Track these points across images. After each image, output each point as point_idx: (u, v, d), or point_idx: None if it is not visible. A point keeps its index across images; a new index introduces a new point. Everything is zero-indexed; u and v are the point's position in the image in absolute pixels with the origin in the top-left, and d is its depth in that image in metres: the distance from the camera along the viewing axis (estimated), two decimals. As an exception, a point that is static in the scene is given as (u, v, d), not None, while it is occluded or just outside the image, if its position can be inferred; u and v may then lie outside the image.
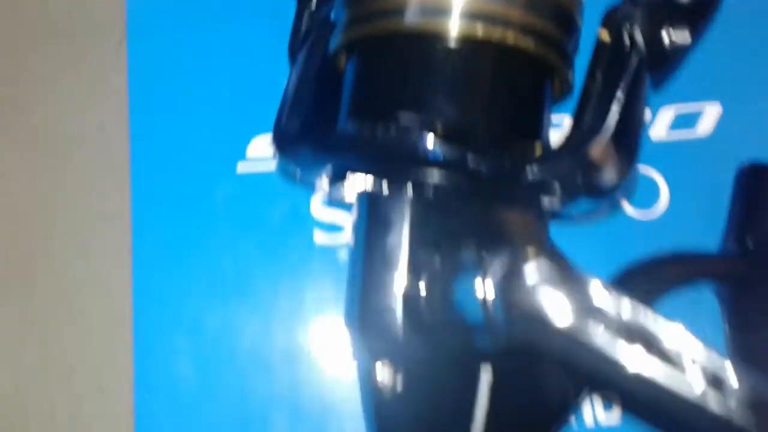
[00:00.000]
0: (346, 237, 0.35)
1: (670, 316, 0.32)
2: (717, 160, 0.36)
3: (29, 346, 0.46)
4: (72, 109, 0.50)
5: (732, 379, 0.19)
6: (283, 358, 0.34)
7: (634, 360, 0.19)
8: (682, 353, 0.19)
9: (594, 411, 0.34)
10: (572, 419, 0.33)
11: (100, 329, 0.46)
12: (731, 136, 0.36)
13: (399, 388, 0.27)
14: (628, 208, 0.36)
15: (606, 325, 0.19)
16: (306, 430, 0.33)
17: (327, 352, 0.34)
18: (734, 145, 0.36)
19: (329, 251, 0.35)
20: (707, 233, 0.35)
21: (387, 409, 0.27)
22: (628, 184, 0.28)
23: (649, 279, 0.32)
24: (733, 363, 0.31)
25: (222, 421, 0.33)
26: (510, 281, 0.21)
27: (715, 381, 0.19)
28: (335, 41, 0.30)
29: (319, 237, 0.35)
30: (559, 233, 0.32)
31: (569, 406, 0.30)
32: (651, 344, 0.19)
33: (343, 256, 0.35)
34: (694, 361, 0.19)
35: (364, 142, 0.27)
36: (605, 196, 0.28)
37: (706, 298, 0.35)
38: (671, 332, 0.19)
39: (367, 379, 0.27)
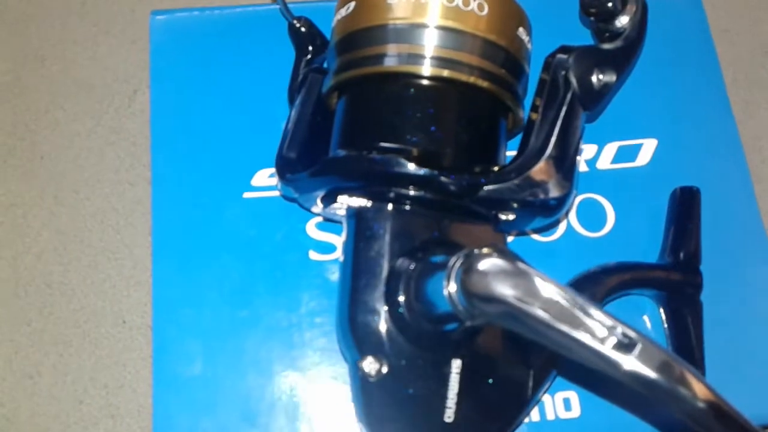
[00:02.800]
0: (337, 254, 0.39)
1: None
2: (654, 185, 0.41)
3: (45, 368, 0.50)
4: (90, 154, 0.55)
5: (639, 344, 0.23)
6: (282, 360, 0.38)
7: (561, 329, 0.24)
8: (600, 324, 0.24)
9: (555, 406, 0.38)
10: (534, 411, 0.38)
11: (117, 355, 0.51)
12: (666, 165, 0.42)
13: (383, 377, 0.31)
14: (579, 228, 0.41)
15: (541, 302, 0.24)
16: (302, 428, 0.37)
17: (321, 355, 0.38)
18: (669, 173, 0.41)
19: (322, 267, 0.39)
20: (648, 248, 0.40)
21: (373, 396, 0.31)
22: (570, 199, 0.33)
23: (596, 285, 0.37)
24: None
25: (228, 416, 0.37)
26: (468, 273, 0.26)
27: (626, 346, 0.23)
28: (327, 83, 0.36)
29: (314, 254, 0.40)
30: (517, 250, 0.37)
31: (530, 396, 0.35)
32: (574, 319, 0.24)
33: (335, 271, 0.39)
34: (609, 330, 0.24)
35: (351, 165, 0.32)
36: (551, 211, 0.33)
37: (648, 305, 0.40)
38: (591, 310, 0.24)
39: (355, 372, 0.32)
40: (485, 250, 0.27)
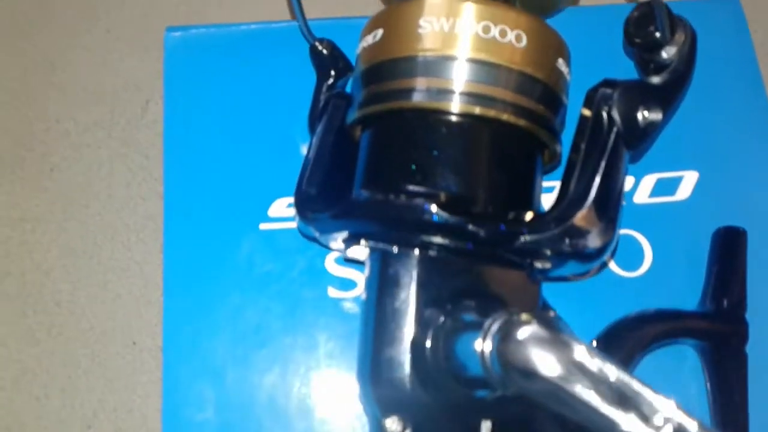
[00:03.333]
0: (358, 291, 0.38)
1: (656, 371, 0.36)
2: (695, 222, 0.39)
3: (53, 390, 0.49)
4: (101, 167, 0.54)
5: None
6: (299, 406, 0.36)
7: (610, 414, 0.22)
8: (655, 412, 0.22)
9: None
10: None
11: (128, 377, 0.49)
12: (708, 200, 0.40)
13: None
14: (614, 267, 0.39)
15: (587, 381, 0.22)
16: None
17: (340, 402, 0.36)
18: (710, 209, 0.39)
19: (342, 304, 0.37)
20: (688, 290, 0.38)
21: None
22: (612, 247, 0.31)
23: (634, 335, 0.34)
24: (713, 417, 0.34)
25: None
26: (505, 339, 0.24)
27: None
28: (352, 115, 0.33)
29: (333, 291, 0.38)
30: (551, 289, 0.35)
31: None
32: (626, 402, 0.22)
33: (355, 308, 0.37)
34: (665, 420, 0.22)
35: (375, 210, 0.30)
36: (591, 260, 0.31)
37: (689, 354, 0.37)
38: (646, 392, 0.22)
39: (378, 430, 0.30)
40: (524, 317, 0.24)
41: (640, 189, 0.40)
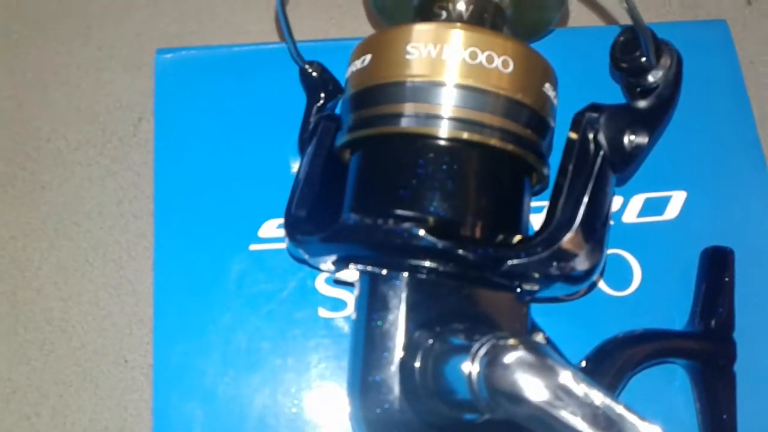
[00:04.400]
0: (348, 312, 0.38)
1: (645, 389, 0.36)
2: (683, 241, 0.39)
3: (44, 409, 0.49)
4: (92, 185, 0.54)
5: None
6: (289, 427, 0.36)
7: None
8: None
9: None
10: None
11: (119, 395, 0.49)
12: (696, 219, 0.40)
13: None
14: (604, 286, 0.39)
15: (572, 407, 0.23)
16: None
17: (331, 422, 0.36)
18: (698, 228, 0.40)
19: (333, 325, 0.37)
20: (677, 308, 0.38)
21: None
22: (599, 269, 0.31)
23: (624, 355, 0.35)
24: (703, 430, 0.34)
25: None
26: (492, 363, 0.24)
27: None
28: (341, 138, 0.34)
29: (323, 312, 0.38)
30: (540, 309, 0.36)
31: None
32: (612, 425, 0.22)
33: (346, 329, 0.37)
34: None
35: (364, 234, 0.30)
36: (579, 282, 0.31)
37: (678, 373, 0.38)
38: (631, 417, 0.22)
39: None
40: (511, 342, 0.25)
41: (629, 208, 0.40)
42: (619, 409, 0.23)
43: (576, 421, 0.22)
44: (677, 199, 0.40)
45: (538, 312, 0.35)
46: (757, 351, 0.37)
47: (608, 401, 0.23)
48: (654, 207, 0.40)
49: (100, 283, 0.51)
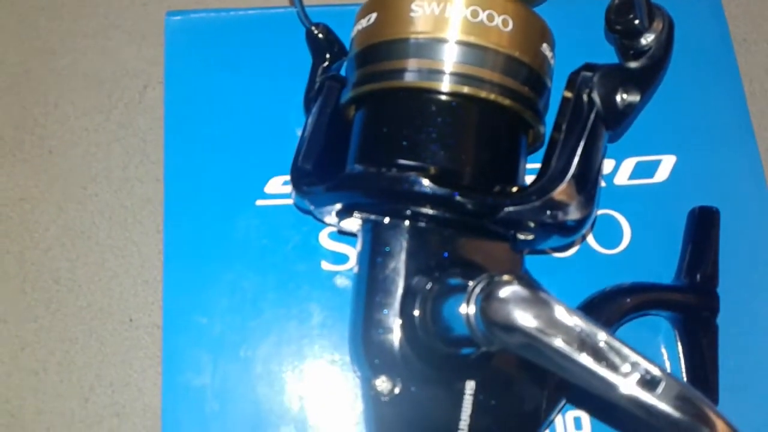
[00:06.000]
0: (350, 265, 0.39)
1: (632, 340, 0.37)
2: (672, 202, 0.41)
3: (51, 365, 0.50)
4: (99, 150, 0.55)
5: (663, 382, 0.23)
6: (292, 373, 0.37)
7: (585, 363, 0.24)
8: (624, 360, 0.24)
9: (565, 425, 0.38)
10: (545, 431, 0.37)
11: (125, 353, 0.50)
12: (684, 182, 0.41)
13: (396, 398, 0.31)
14: (595, 244, 0.40)
15: (563, 334, 0.24)
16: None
17: (332, 369, 0.38)
18: (687, 190, 0.41)
19: (335, 277, 0.39)
20: (664, 266, 0.40)
21: (384, 415, 0.31)
22: (590, 220, 0.33)
23: (611, 306, 0.36)
24: (688, 380, 0.36)
25: (237, 426, 0.37)
26: (488, 298, 0.26)
27: (649, 383, 0.23)
28: (346, 95, 0.35)
29: (326, 265, 0.39)
30: (534, 265, 0.37)
31: (542, 418, 0.34)
32: (598, 352, 0.24)
33: (347, 282, 0.39)
34: (633, 366, 0.24)
35: (369, 181, 0.32)
36: (571, 232, 0.33)
37: (663, 325, 0.39)
38: (616, 344, 0.24)
39: (368, 390, 0.31)
40: (506, 278, 0.26)
41: (620, 171, 0.41)
42: (610, 339, 0.24)
43: (566, 348, 0.24)
44: (667, 162, 0.42)
45: (532, 269, 0.36)
46: (739, 304, 0.39)
47: (599, 331, 0.24)
48: (644, 170, 0.42)
49: (106, 245, 0.53)
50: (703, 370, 0.37)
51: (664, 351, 0.39)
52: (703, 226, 0.39)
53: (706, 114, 0.43)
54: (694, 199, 0.40)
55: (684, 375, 0.38)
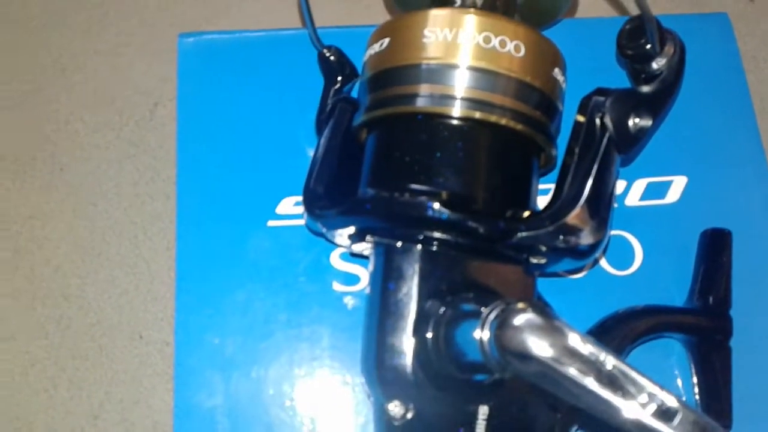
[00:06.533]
0: (361, 286, 0.39)
1: (645, 363, 0.37)
2: (683, 224, 0.41)
3: (61, 381, 0.50)
4: (109, 167, 0.55)
5: (680, 413, 0.23)
6: (303, 394, 0.38)
7: (600, 393, 0.24)
8: (641, 391, 0.24)
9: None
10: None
11: (134, 369, 0.51)
12: (695, 203, 0.41)
13: (408, 423, 0.30)
14: (607, 266, 0.40)
15: (578, 363, 0.24)
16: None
17: (343, 391, 0.38)
18: (698, 211, 0.41)
19: (345, 299, 0.39)
20: (677, 288, 0.40)
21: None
22: (603, 245, 0.33)
23: (624, 328, 0.36)
24: (701, 404, 0.36)
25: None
26: (502, 325, 0.26)
27: (666, 414, 0.23)
28: (358, 118, 0.35)
29: (337, 286, 0.39)
30: (546, 286, 0.37)
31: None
32: (613, 381, 0.24)
33: (358, 303, 0.39)
34: (650, 397, 0.24)
35: (381, 206, 0.32)
36: (583, 256, 0.33)
37: (676, 348, 0.39)
38: (632, 374, 0.24)
39: (381, 414, 0.31)
40: (520, 305, 0.26)
41: (632, 192, 0.42)
42: (623, 366, 0.24)
43: (582, 377, 0.24)
44: (678, 183, 0.42)
45: (544, 290, 0.36)
46: (752, 327, 0.39)
47: (612, 360, 0.24)
48: (656, 191, 0.42)
49: (116, 262, 0.53)
50: (716, 392, 0.37)
51: (677, 373, 0.39)
52: (715, 249, 0.39)
53: (717, 135, 0.43)
54: (706, 220, 0.41)
55: (697, 398, 0.38)
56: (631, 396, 0.23)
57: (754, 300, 0.40)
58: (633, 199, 0.42)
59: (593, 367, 0.24)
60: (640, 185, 0.42)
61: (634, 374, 0.24)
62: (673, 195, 0.42)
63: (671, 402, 0.23)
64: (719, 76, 0.44)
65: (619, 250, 0.40)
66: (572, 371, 0.24)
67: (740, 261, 0.39)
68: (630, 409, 0.23)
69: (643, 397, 0.23)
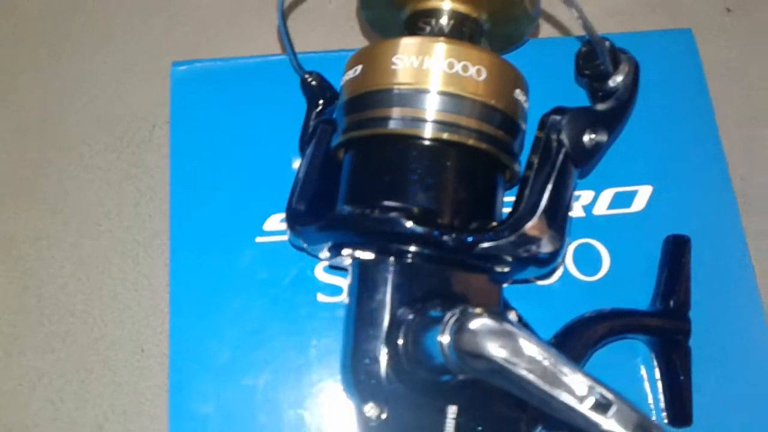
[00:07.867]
0: (344, 296, 0.41)
1: (611, 362, 0.39)
2: (649, 231, 0.43)
3: (67, 394, 0.53)
4: (111, 188, 0.58)
5: (614, 405, 0.25)
6: (290, 400, 0.40)
7: (546, 388, 0.26)
8: (579, 385, 0.26)
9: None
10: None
11: (137, 382, 0.53)
12: (661, 211, 0.43)
13: (384, 423, 0.33)
14: (575, 272, 0.43)
15: (527, 363, 0.26)
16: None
17: (327, 396, 0.40)
18: (663, 219, 0.43)
19: (330, 308, 0.41)
20: (642, 292, 0.42)
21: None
22: (562, 253, 0.35)
23: (590, 331, 0.38)
24: (665, 399, 0.38)
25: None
26: (460, 329, 0.28)
27: (602, 406, 0.25)
28: (336, 139, 0.38)
29: (322, 297, 0.42)
30: (516, 292, 0.39)
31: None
32: (557, 378, 0.26)
33: (342, 312, 0.41)
34: (588, 390, 0.26)
35: (355, 222, 0.34)
36: (544, 264, 0.35)
37: (641, 348, 0.41)
38: (573, 370, 0.26)
39: (358, 416, 0.33)
40: (477, 310, 0.29)
41: (599, 202, 0.44)
42: (569, 366, 0.26)
43: (529, 375, 0.26)
44: (643, 193, 0.44)
45: (514, 296, 0.39)
46: (709, 328, 0.41)
47: (555, 358, 0.26)
48: (622, 200, 0.44)
49: (119, 279, 0.56)
50: (678, 389, 0.39)
51: (643, 372, 0.41)
52: (675, 255, 0.41)
53: (681, 146, 0.45)
54: (670, 228, 0.42)
55: (661, 394, 0.40)
56: (570, 390, 0.25)
57: (711, 302, 0.41)
58: (601, 208, 0.44)
59: (539, 366, 0.26)
60: (607, 195, 0.44)
61: (575, 371, 0.26)
62: (639, 204, 0.44)
63: (608, 395, 0.25)
64: (683, 89, 0.46)
65: (588, 257, 0.43)
66: (520, 370, 0.26)
67: (701, 266, 0.41)
68: (571, 401, 0.25)
69: (582, 390, 0.25)
